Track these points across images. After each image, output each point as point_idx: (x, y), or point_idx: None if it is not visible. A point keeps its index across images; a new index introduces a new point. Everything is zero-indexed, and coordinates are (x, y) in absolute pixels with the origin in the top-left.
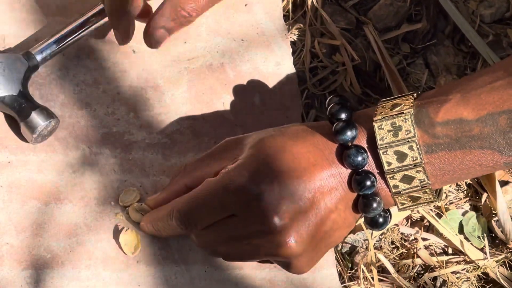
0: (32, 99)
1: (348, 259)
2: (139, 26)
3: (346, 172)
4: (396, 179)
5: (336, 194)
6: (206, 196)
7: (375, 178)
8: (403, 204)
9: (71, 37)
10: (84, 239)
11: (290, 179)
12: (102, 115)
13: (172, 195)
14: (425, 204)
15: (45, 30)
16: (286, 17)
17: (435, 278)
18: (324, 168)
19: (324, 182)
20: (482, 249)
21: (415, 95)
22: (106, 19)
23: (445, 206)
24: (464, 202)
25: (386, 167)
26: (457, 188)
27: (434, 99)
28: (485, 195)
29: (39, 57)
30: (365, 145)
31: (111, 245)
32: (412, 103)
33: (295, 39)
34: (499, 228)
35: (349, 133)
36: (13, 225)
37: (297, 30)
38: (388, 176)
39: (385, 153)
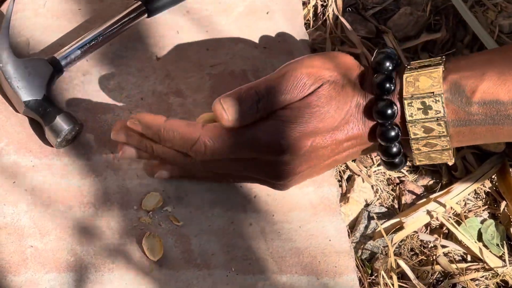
0: (57, 104)
1: (368, 265)
2: (163, 32)
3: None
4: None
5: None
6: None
7: (400, 129)
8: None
9: (94, 43)
10: (107, 243)
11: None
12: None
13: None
14: (439, 158)
15: (69, 36)
16: (307, 25)
17: (454, 285)
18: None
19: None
20: (501, 257)
21: (443, 64)
22: (129, 25)
23: (464, 214)
24: (483, 210)
25: (412, 136)
26: (475, 196)
27: (468, 73)
28: (503, 203)
29: (63, 62)
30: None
31: (134, 249)
32: (442, 76)
33: (316, 47)
34: None
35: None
36: (37, 228)
37: (318, 38)
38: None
39: (412, 127)
